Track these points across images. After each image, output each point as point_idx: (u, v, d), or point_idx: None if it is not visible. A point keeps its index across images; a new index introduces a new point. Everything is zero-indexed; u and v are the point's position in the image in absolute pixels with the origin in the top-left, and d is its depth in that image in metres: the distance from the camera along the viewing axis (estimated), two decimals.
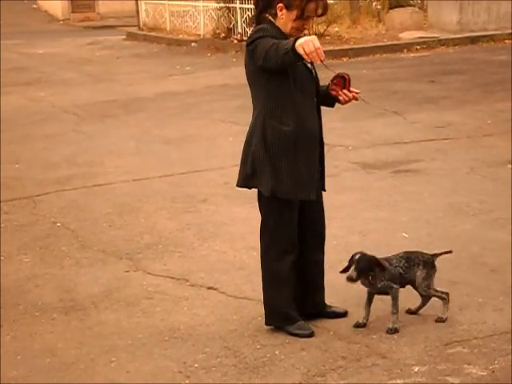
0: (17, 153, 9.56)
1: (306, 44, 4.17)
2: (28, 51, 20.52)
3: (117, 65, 17.52)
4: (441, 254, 4.93)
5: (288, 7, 4.54)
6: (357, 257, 4.66)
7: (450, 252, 5.01)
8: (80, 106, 12.61)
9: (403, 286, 4.82)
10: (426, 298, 4.91)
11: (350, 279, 4.64)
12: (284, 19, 4.57)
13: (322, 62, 4.21)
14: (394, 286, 4.73)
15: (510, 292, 5.17)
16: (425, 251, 4.95)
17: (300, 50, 4.18)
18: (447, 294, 4.87)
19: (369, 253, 4.74)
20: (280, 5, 4.55)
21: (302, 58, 4.25)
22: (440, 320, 4.81)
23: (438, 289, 4.87)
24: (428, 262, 4.82)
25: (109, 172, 8.61)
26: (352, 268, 4.64)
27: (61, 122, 11.48)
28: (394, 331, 4.69)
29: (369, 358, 4.45)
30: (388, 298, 4.77)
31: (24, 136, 10.55)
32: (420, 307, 4.94)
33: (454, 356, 4.42)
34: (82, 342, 4.84)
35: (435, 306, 4.93)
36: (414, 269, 4.79)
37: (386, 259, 4.79)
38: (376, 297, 4.83)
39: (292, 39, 4.32)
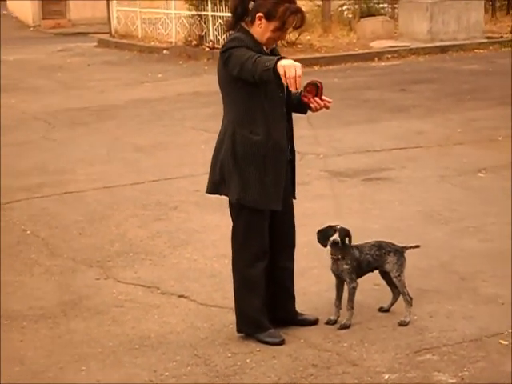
0: None
1: (289, 68, 4.18)
2: None
3: (88, 72, 17.45)
4: (410, 247, 5.04)
5: (268, 18, 4.53)
6: (338, 227, 4.82)
7: (418, 246, 5.12)
8: (51, 113, 12.55)
9: (371, 271, 4.96)
10: (396, 293, 4.99)
11: (336, 243, 4.78)
12: (262, 29, 4.57)
13: (296, 90, 4.24)
14: (354, 280, 4.84)
15: (480, 300, 5.21)
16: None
17: (280, 70, 4.19)
18: (411, 298, 4.93)
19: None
20: (260, 14, 4.54)
21: (280, 79, 4.26)
22: (403, 324, 4.87)
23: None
24: (399, 251, 4.95)
25: (79, 180, 8.57)
26: (336, 235, 4.78)
27: (31, 129, 11.41)
28: (344, 327, 4.83)
29: (339, 366, 4.46)
30: (359, 306, 4.79)
31: None
32: (392, 303, 5.03)
33: (424, 363, 4.44)
34: (52, 351, 4.81)
35: (404, 313, 4.96)
36: (385, 256, 4.92)
37: (358, 246, 4.92)
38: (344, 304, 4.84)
39: (274, 58, 4.33)
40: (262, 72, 4.31)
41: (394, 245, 4.99)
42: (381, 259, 4.92)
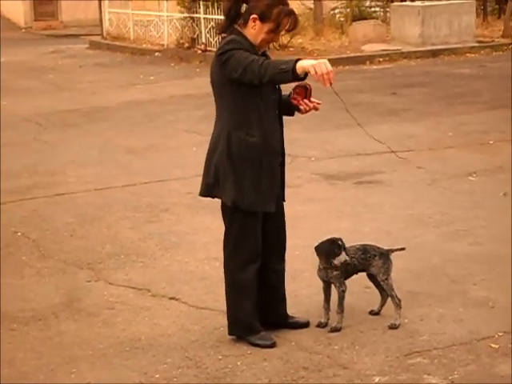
0: None
1: (319, 66, 4.20)
2: None
3: (80, 74, 17.43)
4: (395, 250, 5.05)
5: (263, 19, 4.54)
6: (340, 242, 4.79)
7: (403, 249, 5.12)
8: (42, 114, 12.52)
9: (356, 273, 4.96)
10: (385, 295, 5.00)
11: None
12: (256, 30, 4.57)
13: (330, 84, 4.25)
14: (343, 284, 4.85)
15: (470, 303, 5.22)
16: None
17: (310, 70, 4.20)
18: (400, 300, 4.95)
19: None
20: (254, 16, 4.54)
21: (300, 79, 4.27)
22: (393, 327, 4.88)
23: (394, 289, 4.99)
24: (384, 255, 4.96)
25: (71, 181, 8.56)
26: (343, 253, 4.76)
27: (22, 130, 11.39)
28: (335, 330, 4.83)
29: (330, 369, 4.46)
30: (351, 310, 4.80)
31: None
32: (382, 306, 5.04)
33: (415, 366, 4.45)
34: (42, 353, 4.80)
35: (395, 316, 4.97)
36: (371, 260, 4.92)
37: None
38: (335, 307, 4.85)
39: (288, 60, 4.34)
40: (274, 75, 4.31)
41: (379, 248, 5.00)
42: (366, 262, 4.92)
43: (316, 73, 4.19)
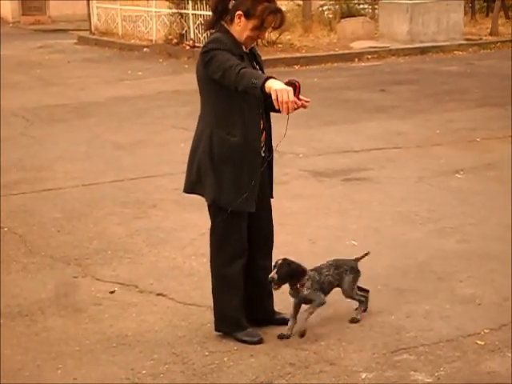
0: None
1: (281, 93, 4.18)
2: None
3: (68, 69, 17.38)
4: (361, 257, 5.04)
5: (248, 16, 4.54)
6: (279, 262, 4.69)
7: (367, 254, 5.08)
8: (29, 109, 12.48)
9: (331, 290, 4.89)
10: (357, 301, 4.98)
11: (271, 281, 4.67)
12: (241, 27, 4.57)
13: (287, 113, 4.24)
14: (322, 297, 4.78)
15: (457, 300, 5.24)
16: (349, 258, 5.03)
17: (273, 95, 4.19)
18: (367, 291, 4.99)
19: (295, 261, 4.76)
20: (239, 12, 4.54)
21: (267, 97, 4.26)
22: (354, 321, 4.89)
23: (358, 291, 4.98)
24: (354, 268, 4.95)
25: (58, 177, 8.54)
26: (274, 271, 4.67)
27: (9, 125, 11.34)
28: (283, 337, 4.74)
29: (317, 365, 4.47)
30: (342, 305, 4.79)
31: None
32: (360, 311, 4.99)
33: (401, 363, 4.46)
34: (29, 348, 4.79)
35: (382, 313, 4.98)
36: (343, 275, 4.90)
37: (317, 269, 4.85)
38: (328, 303, 4.85)
39: (260, 74, 4.34)
40: (246, 87, 4.29)
41: (348, 261, 4.97)
42: (340, 277, 4.89)
43: (277, 99, 4.19)
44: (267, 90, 4.22)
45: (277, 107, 4.24)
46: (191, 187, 4.76)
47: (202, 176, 4.65)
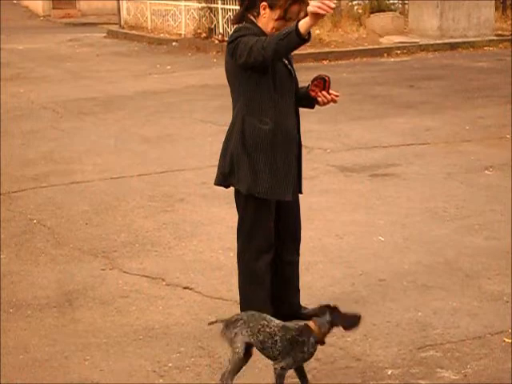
0: None
1: (313, 6, 4.11)
2: (8, 47, 20.40)
3: (97, 62, 17.46)
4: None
5: (271, 7, 4.54)
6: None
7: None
8: (59, 102, 12.56)
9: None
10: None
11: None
12: (266, 18, 4.57)
13: (332, 9, 4.12)
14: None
15: (485, 297, 5.21)
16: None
17: (312, 8, 4.10)
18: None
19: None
20: (264, 3, 4.54)
21: (304, 40, 4.20)
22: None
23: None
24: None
25: (87, 170, 8.58)
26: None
27: (39, 118, 11.43)
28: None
29: (343, 361, 4.46)
30: None
31: (2, 132, 10.49)
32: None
33: (427, 360, 4.44)
34: (56, 340, 4.83)
35: (408, 309, 4.97)
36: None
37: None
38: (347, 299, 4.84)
39: (288, 28, 4.28)
40: (278, 42, 4.24)
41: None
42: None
43: (319, 8, 4.10)
44: (303, 28, 4.13)
45: (322, 11, 4.14)
46: (223, 179, 4.73)
47: (235, 166, 4.63)
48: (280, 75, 4.57)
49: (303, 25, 4.17)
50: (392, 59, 16.57)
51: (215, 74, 14.38)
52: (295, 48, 4.31)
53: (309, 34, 4.20)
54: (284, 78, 4.61)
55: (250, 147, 4.58)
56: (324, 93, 4.68)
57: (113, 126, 10.74)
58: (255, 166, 4.58)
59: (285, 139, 4.62)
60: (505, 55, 16.52)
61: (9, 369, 4.50)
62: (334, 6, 4.15)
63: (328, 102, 4.75)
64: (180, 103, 12.25)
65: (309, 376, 4.26)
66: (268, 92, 4.55)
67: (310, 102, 4.80)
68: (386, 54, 16.93)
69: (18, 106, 12.39)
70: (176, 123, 10.81)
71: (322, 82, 4.65)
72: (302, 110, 4.80)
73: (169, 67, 16.19)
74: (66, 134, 10.35)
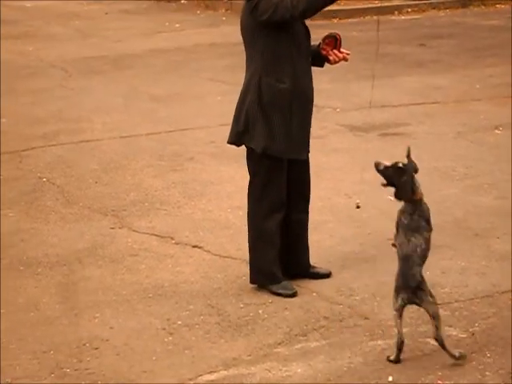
0: (3, 107, 9.48)
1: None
2: (15, 4, 20.27)
3: (105, 20, 17.34)
4: None
5: None
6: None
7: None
8: (68, 61, 12.50)
9: None
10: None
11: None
12: None
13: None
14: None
15: (493, 256, 5.21)
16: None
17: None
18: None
19: None
20: None
21: None
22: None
23: None
24: None
25: (96, 128, 8.58)
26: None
27: (48, 76, 11.38)
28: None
29: (351, 319, 4.49)
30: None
31: (10, 90, 10.45)
32: None
33: None
34: (67, 297, 4.86)
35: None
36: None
37: None
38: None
39: None
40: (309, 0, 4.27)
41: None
42: None
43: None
44: None
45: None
46: (238, 138, 4.72)
47: (250, 125, 4.61)
48: (298, 33, 4.54)
49: None
50: (403, 17, 16.40)
51: (224, 32, 14.26)
52: (325, 7, 4.31)
53: None
54: (301, 36, 4.58)
55: (267, 106, 4.56)
56: (335, 51, 4.66)
57: (122, 85, 10.70)
58: (271, 124, 4.56)
59: (301, 99, 4.60)
60: None
61: (20, 326, 4.55)
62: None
63: (339, 61, 4.72)
64: (189, 62, 12.17)
65: (317, 334, 4.29)
66: (287, 50, 4.52)
67: (321, 61, 4.77)
68: (396, 12, 16.75)
69: (26, 64, 12.34)
70: (185, 82, 10.76)
71: (333, 41, 4.63)
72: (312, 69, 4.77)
73: (177, 25, 16.08)
74: (74, 93, 10.31)
